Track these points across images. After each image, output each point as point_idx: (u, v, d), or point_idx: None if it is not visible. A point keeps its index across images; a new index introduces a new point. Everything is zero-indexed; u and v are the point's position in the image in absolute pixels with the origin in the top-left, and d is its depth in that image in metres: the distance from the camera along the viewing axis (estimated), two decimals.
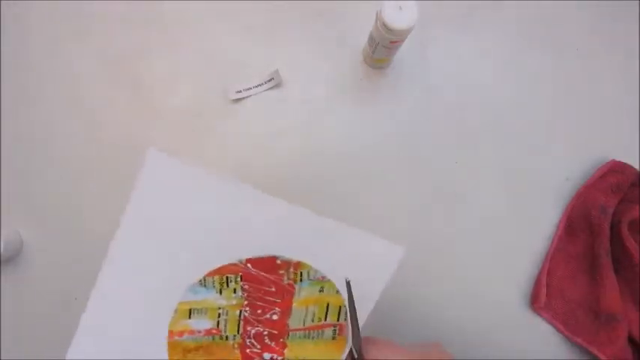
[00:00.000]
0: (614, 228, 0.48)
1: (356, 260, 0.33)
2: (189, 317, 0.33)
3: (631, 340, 0.46)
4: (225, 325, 0.33)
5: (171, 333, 0.33)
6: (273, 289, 0.33)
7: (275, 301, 0.33)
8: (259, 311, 0.33)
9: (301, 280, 0.33)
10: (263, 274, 0.33)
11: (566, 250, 0.49)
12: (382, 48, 0.45)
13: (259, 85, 0.51)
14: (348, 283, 0.32)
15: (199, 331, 0.33)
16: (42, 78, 0.52)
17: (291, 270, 0.33)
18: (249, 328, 0.33)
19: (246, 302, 0.33)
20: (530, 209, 0.50)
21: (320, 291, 0.33)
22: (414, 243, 0.49)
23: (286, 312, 0.33)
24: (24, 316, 0.49)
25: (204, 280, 0.32)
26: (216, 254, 0.32)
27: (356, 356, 0.32)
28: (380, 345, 0.32)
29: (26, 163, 0.51)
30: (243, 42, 0.52)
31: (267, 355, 0.33)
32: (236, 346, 0.33)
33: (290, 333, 0.33)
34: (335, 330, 0.33)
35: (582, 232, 0.49)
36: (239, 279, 0.33)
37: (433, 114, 0.51)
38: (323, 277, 0.33)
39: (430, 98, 0.52)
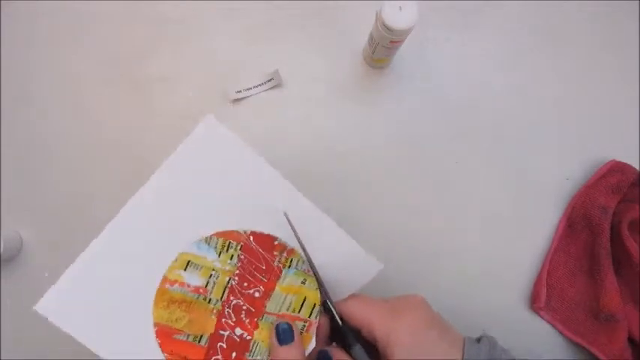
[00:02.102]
0: (614, 228, 0.48)
1: (338, 261, 0.35)
2: (185, 269, 0.34)
3: (631, 340, 0.46)
4: (213, 288, 0.34)
5: (164, 279, 0.34)
6: (264, 267, 0.34)
7: (262, 279, 0.34)
8: (245, 284, 0.34)
9: (289, 267, 0.34)
10: (260, 250, 0.34)
11: (566, 250, 0.49)
12: (382, 48, 0.45)
13: (259, 85, 0.51)
14: (285, 215, 0.34)
15: (188, 286, 0.34)
16: (42, 78, 0.52)
17: (284, 254, 0.34)
18: (231, 298, 0.34)
19: (237, 272, 0.34)
20: (530, 209, 0.50)
21: (302, 282, 0.34)
22: (414, 242, 0.49)
23: (267, 293, 0.34)
24: (24, 316, 0.49)
25: (210, 238, 0.34)
26: (227, 219, 0.34)
27: (334, 312, 0.34)
28: (349, 299, 0.34)
29: (26, 163, 0.51)
30: (243, 42, 0.52)
31: (238, 331, 0.34)
32: (215, 312, 0.34)
33: (265, 315, 0.34)
34: (304, 325, 0.34)
35: (582, 232, 0.49)
36: (239, 248, 0.34)
37: (433, 114, 0.51)
38: (308, 271, 0.34)
39: (430, 98, 0.52)
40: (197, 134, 0.35)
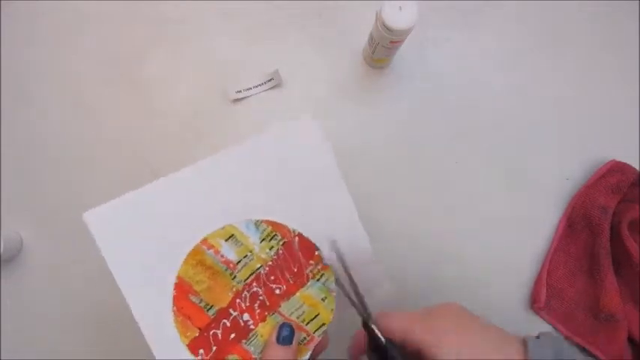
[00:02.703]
0: (614, 228, 0.48)
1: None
2: (226, 240, 0.35)
3: (631, 340, 0.46)
4: (242, 268, 0.35)
5: (204, 240, 0.35)
6: (295, 270, 0.35)
7: (288, 280, 0.35)
8: (272, 277, 0.35)
9: (317, 280, 0.35)
10: (300, 253, 0.35)
11: (566, 250, 0.49)
12: (382, 48, 0.45)
13: (259, 85, 0.51)
14: (334, 243, 0.34)
15: (222, 256, 0.35)
16: (42, 78, 0.52)
17: (319, 267, 0.35)
18: (254, 284, 0.35)
19: (270, 263, 0.35)
20: (530, 209, 0.50)
21: (322, 299, 0.35)
22: (414, 242, 0.49)
23: (287, 295, 0.35)
24: (24, 316, 0.49)
25: (260, 222, 0.35)
26: (282, 212, 0.35)
27: (370, 324, 0.33)
28: (385, 315, 0.33)
29: (26, 163, 0.51)
30: (243, 42, 0.52)
31: (246, 316, 0.35)
32: (234, 290, 0.35)
33: (276, 313, 0.35)
34: (305, 338, 0.35)
35: (582, 232, 0.49)
36: (282, 243, 0.35)
37: (433, 114, 0.51)
38: (332, 291, 0.35)
39: (430, 98, 0.52)
40: (293, 127, 0.35)
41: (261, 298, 0.35)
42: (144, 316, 0.34)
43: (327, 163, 0.35)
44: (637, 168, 0.49)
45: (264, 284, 0.35)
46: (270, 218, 0.35)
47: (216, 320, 0.34)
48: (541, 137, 0.52)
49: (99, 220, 0.35)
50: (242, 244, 0.35)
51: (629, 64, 0.53)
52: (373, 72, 0.52)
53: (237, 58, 0.52)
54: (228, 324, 0.34)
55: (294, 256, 0.35)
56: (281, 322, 0.34)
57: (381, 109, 0.52)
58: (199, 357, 0.34)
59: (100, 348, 0.49)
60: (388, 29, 0.41)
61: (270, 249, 0.35)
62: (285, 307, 0.35)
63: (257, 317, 0.35)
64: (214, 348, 0.34)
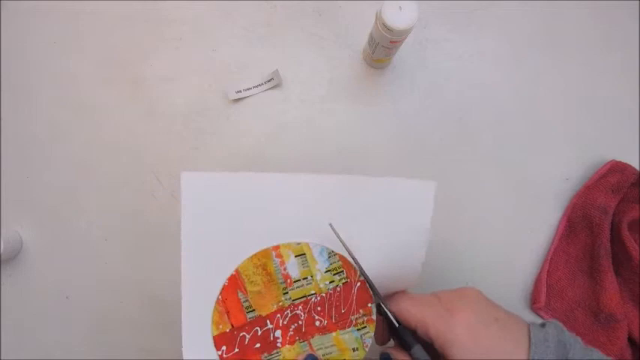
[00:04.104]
0: (614, 228, 0.48)
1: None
2: (296, 256, 0.35)
3: (631, 340, 0.46)
4: (297, 288, 0.35)
5: (276, 247, 0.35)
6: (342, 311, 0.35)
7: (332, 318, 0.35)
8: (319, 308, 0.35)
9: (358, 330, 0.35)
10: (355, 298, 0.35)
11: (566, 250, 0.49)
12: (382, 48, 0.45)
13: (259, 85, 0.51)
14: (331, 226, 0.34)
15: (285, 269, 0.35)
16: (42, 78, 0.52)
17: (365, 319, 0.35)
18: (300, 307, 0.35)
19: (323, 295, 0.35)
20: (530, 209, 0.50)
21: (354, 349, 0.35)
22: None
23: (324, 330, 0.35)
24: (24, 316, 0.49)
25: (334, 254, 0.35)
26: (358, 252, 0.35)
27: (385, 308, 0.33)
28: (400, 298, 0.33)
29: (26, 163, 0.51)
30: (243, 42, 0.52)
31: (277, 333, 0.35)
32: (280, 304, 0.35)
33: (306, 342, 0.35)
34: None
35: (582, 232, 0.49)
36: (342, 281, 0.35)
37: (433, 114, 0.51)
38: (365, 346, 0.35)
39: (430, 98, 0.52)
40: (415, 185, 0.36)
41: (300, 322, 0.35)
42: (190, 293, 0.34)
43: (424, 228, 0.36)
44: (637, 168, 0.49)
45: (309, 312, 0.35)
46: (344, 254, 0.35)
47: (251, 325, 0.34)
48: (541, 137, 0.52)
49: (194, 184, 0.35)
50: (308, 266, 0.35)
51: (629, 64, 0.53)
52: (373, 72, 0.52)
53: (237, 58, 0.52)
54: (260, 333, 0.34)
55: (348, 298, 0.35)
56: (307, 352, 0.34)
57: (381, 109, 0.52)
58: (220, 352, 0.34)
59: (100, 348, 0.49)
60: (388, 29, 0.41)
61: (330, 282, 0.35)
62: (316, 341, 0.35)
63: (287, 338, 0.34)
64: (237, 350, 0.34)
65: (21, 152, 0.51)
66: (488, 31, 0.53)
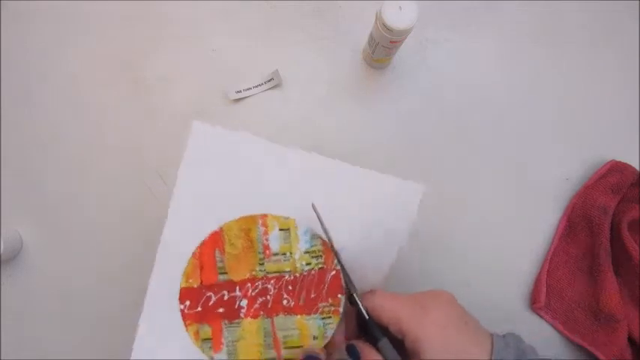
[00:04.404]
0: (614, 228, 0.48)
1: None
2: (280, 229, 0.35)
3: (631, 340, 0.46)
4: (273, 261, 0.35)
5: (264, 215, 0.35)
6: (312, 296, 0.35)
7: (299, 300, 0.35)
8: (290, 287, 0.35)
9: (322, 318, 0.35)
10: (327, 285, 0.35)
11: (566, 250, 0.49)
12: (382, 48, 0.45)
13: (259, 85, 0.51)
14: (313, 206, 0.34)
15: (266, 240, 0.35)
16: (42, 78, 0.52)
17: (331, 309, 0.35)
18: (271, 282, 0.35)
19: (297, 275, 0.35)
20: (530, 209, 0.50)
21: (313, 337, 0.35)
22: (413, 242, 0.49)
23: (290, 311, 0.35)
24: (24, 316, 0.49)
25: (317, 237, 0.35)
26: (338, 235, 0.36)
27: (357, 299, 0.34)
28: (376, 294, 0.34)
29: (26, 163, 0.51)
30: (243, 42, 0.52)
31: (244, 302, 0.35)
32: (253, 274, 0.35)
33: (271, 319, 0.35)
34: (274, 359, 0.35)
35: (582, 232, 0.49)
36: (319, 266, 0.35)
37: (433, 114, 0.52)
38: (326, 337, 0.35)
39: (430, 98, 0.52)
40: (403, 185, 0.38)
41: (268, 297, 0.35)
42: (169, 239, 0.34)
43: (403, 230, 0.37)
44: (637, 168, 0.49)
45: (279, 288, 0.35)
46: (326, 236, 0.35)
47: (220, 287, 0.34)
48: (541, 137, 0.52)
49: (202, 133, 0.36)
50: (290, 242, 0.35)
51: (629, 64, 0.53)
52: (373, 72, 0.52)
53: (237, 57, 0.52)
54: (226, 297, 0.34)
55: (321, 285, 0.35)
56: (267, 328, 0.34)
57: (381, 109, 0.52)
58: (183, 306, 0.34)
59: (100, 348, 0.49)
60: (388, 29, 0.41)
61: (307, 264, 0.35)
62: (280, 320, 0.35)
63: (252, 311, 0.34)
64: (199, 309, 0.34)
65: (21, 152, 0.51)
66: (488, 31, 0.53)
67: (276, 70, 0.50)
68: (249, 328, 0.34)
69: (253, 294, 0.34)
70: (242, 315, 0.34)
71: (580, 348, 0.47)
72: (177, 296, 0.34)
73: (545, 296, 0.48)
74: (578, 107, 0.52)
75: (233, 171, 0.35)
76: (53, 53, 0.52)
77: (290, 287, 0.35)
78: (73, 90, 0.51)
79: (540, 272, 0.49)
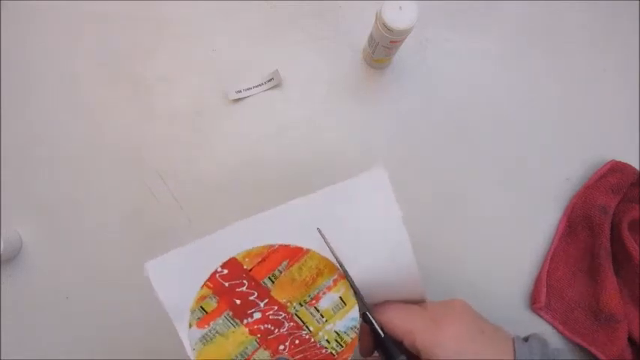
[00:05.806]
0: (614, 228, 0.48)
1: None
2: (339, 298, 0.33)
3: (631, 340, 0.46)
4: (307, 313, 0.33)
5: (341, 276, 0.33)
6: (296, 342, 0.33)
7: (292, 356, 0.34)
8: (297, 342, 0.33)
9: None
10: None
11: (566, 251, 0.49)
12: (382, 48, 0.45)
13: (259, 85, 0.51)
14: (319, 231, 0.32)
15: (322, 293, 0.33)
16: (41, 78, 0.52)
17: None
18: (291, 324, 0.33)
19: (312, 342, 0.33)
20: (530, 209, 0.50)
21: None
22: (413, 242, 0.49)
23: (277, 350, 0.33)
24: (24, 316, 0.49)
25: (356, 329, 0.33)
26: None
27: (371, 317, 0.33)
28: (387, 307, 0.33)
29: (26, 163, 0.51)
30: (243, 42, 0.52)
31: (257, 314, 0.34)
32: (287, 304, 0.33)
33: (258, 345, 0.33)
34: None
35: (582, 232, 0.49)
36: (341, 349, 0.33)
37: (433, 114, 0.51)
38: None
39: (430, 98, 0.52)
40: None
41: (276, 331, 0.34)
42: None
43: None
44: (637, 168, 0.49)
45: (289, 334, 0.33)
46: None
47: (257, 287, 0.33)
48: (541, 137, 0.52)
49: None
50: (334, 313, 0.33)
51: (629, 64, 0.53)
52: (373, 72, 0.52)
53: (237, 58, 0.52)
54: (251, 298, 0.33)
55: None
56: (248, 352, 0.33)
57: (381, 109, 0.52)
58: (219, 268, 0.33)
59: (100, 348, 0.49)
60: (388, 29, 0.41)
61: (327, 340, 0.33)
62: (263, 354, 0.33)
63: (254, 327, 0.33)
64: (226, 284, 0.33)
65: (21, 152, 0.51)
66: (488, 31, 0.53)
67: (276, 70, 0.50)
68: (238, 337, 0.33)
69: (270, 317, 0.33)
70: (245, 322, 0.33)
71: (580, 348, 0.47)
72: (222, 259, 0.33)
73: (546, 296, 0.47)
74: (578, 107, 0.52)
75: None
76: (53, 53, 0.52)
77: (297, 342, 0.33)
78: (73, 90, 0.51)
79: (540, 272, 0.49)
